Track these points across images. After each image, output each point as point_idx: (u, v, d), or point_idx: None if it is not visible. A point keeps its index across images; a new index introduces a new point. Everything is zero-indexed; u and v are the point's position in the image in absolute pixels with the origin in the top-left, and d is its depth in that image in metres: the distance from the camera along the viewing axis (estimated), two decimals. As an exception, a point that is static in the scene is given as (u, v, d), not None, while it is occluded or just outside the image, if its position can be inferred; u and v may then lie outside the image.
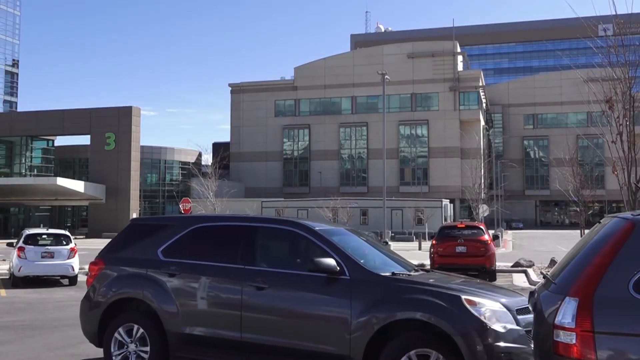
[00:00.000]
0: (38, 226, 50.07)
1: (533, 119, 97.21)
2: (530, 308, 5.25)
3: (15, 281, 18.52)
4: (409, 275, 6.57)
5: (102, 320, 7.30)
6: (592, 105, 15.79)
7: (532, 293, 5.36)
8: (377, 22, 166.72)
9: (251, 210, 57.93)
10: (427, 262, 22.00)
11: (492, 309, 5.80)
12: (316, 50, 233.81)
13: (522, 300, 6.31)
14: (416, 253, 34.34)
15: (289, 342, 6.25)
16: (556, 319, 4.07)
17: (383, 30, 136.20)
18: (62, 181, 55.00)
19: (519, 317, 5.93)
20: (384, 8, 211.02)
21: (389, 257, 7.45)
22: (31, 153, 69.54)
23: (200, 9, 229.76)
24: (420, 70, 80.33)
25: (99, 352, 7.54)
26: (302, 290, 6.39)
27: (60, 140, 73.17)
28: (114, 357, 7.13)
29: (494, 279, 19.49)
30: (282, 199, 73.12)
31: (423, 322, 5.77)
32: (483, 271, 19.64)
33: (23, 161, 68.42)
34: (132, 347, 7.07)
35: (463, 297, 5.80)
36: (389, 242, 27.04)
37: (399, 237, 52.69)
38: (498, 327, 5.69)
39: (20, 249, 18.40)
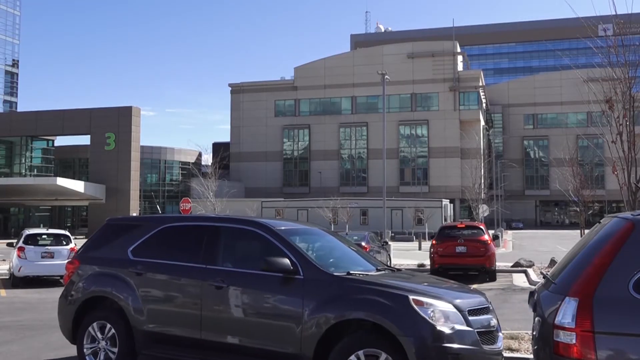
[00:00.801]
0: (38, 226, 50.09)
1: (533, 119, 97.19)
2: (531, 308, 5.25)
3: (15, 281, 18.53)
4: (366, 274, 6.52)
5: (75, 317, 7.52)
6: (592, 105, 15.76)
7: (532, 293, 5.36)
8: (377, 22, 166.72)
9: (251, 210, 57.94)
10: (427, 262, 22.02)
11: (441, 310, 5.72)
12: (316, 50, 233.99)
13: (479, 301, 6.25)
14: (416, 253, 34.36)
15: (245, 341, 6.34)
16: (556, 319, 4.07)
17: (383, 30, 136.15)
18: (62, 181, 54.98)
19: (473, 318, 5.87)
20: (384, 8, 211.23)
21: (359, 256, 7.49)
22: (31, 153, 69.52)
23: (200, 9, 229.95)
24: (420, 70, 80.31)
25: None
26: (259, 289, 6.43)
27: (60, 140, 73.28)
28: (85, 354, 7.31)
29: (494, 279, 19.52)
30: (282, 199, 73.12)
31: (372, 322, 5.77)
32: (483, 271, 19.67)
33: (23, 161, 68.39)
34: (102, 343, 7.26)
35: (411, 297, 5.73)
36: (389, 242, 27.04)
37: (399, 237, 52.69)
38: (446, 328, 5.62)
39: (20, 249, 18.41)
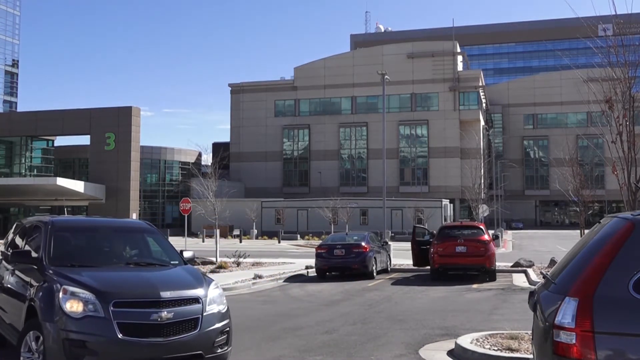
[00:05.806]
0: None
1: (533, 119, 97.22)
2: (531, 308, 5.23)
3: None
4: (93, 269, 7.10)
5: None
6: (592, 105, 15.77)
7: (532, 293, 5.35)
8: (377, 22, 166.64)
9: (251, 210, 57.94)
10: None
11: (80, 299, 6.22)
12: (316, 50, 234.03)
13: (154, 293, 6.42)
14: (416, 253, 34.30)
15: (7, 317, 7.56)
16: (556, 319, 4.07)
17: (383, 30, 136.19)
18: (62, 181, 55.00)
19: (121, 309, 6.17)
20: (384, 8, 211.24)
21: (150, 252, 8.14)
22: (31, 153, 69.49)
23: (199, 9, 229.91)
24: (420, 70, 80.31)
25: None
26: (21, 275, 7.40)
27: (60, 140, 73.24)
28: None
29: (494, 279, 19.53)
30: (282, 199, 73.13)
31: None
32: (483, 271, 19.69)
33: (23, 161, 68.38)
34: None
35: (63, 286, 6.34)
36: (389, 242, 27.07)
37: (399, 237, 52.68)
38: (76, 315, 6.15)
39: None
